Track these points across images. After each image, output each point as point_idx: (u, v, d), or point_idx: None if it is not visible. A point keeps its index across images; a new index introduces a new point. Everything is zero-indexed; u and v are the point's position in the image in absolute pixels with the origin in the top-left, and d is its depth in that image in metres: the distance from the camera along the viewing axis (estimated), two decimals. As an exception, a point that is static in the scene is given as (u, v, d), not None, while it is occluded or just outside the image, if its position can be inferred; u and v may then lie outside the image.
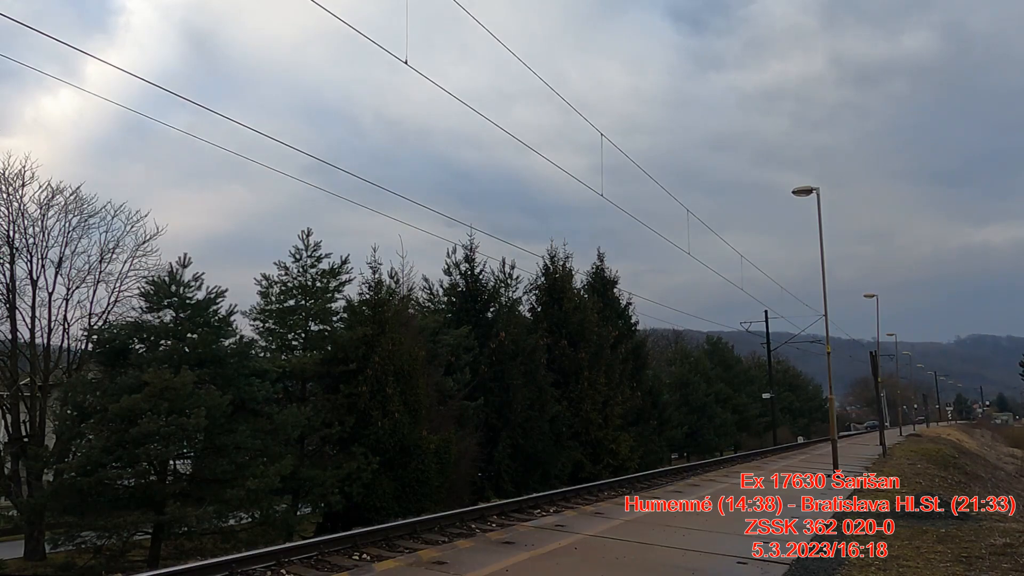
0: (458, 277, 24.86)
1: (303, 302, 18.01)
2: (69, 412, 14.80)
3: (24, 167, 18.76)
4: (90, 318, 19.38)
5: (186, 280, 15.51)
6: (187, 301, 15.47)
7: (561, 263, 27.98)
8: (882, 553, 10.14)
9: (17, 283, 18.41)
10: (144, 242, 20.09)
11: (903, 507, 14.63)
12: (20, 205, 18.65)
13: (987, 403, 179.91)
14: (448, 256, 24.92)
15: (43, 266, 18.95)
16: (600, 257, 31.79)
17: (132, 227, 20.08)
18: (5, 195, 18.51)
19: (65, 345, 19.35)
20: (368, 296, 19.27)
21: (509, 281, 25.78)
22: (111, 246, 19.87)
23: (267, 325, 17.91)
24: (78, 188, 19.59)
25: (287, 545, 10.49)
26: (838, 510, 14.94)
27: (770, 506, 15.63)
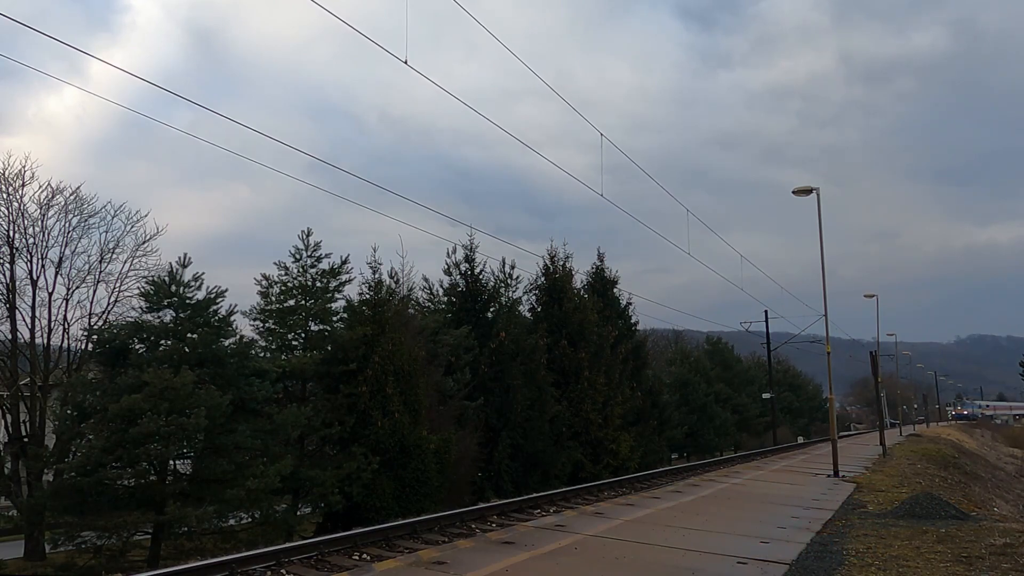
0: (458, 277, 24.87)
1: (303, 302, 18.01)
2: (69, 412, 14.81)
3: (24, 167, 18.81)
4: (90, 318, 19.42)
5: (186, 280, 15.53)
6: (187, 301, 15.48)
7: (561, 263, 28.03)
8: (882, 553, 10.15)
9: (17, 283, 18.44)
10: (144, 242, 20.15)
11: (903, 507, 14.63)
12: (20, 205, 18.69)
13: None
14: (448, 256, 24.96)
15: (43, 266, 18.98)
16: (600, 257, 31.83)
17: (132, 227, 20.15)
18: (5, 195, 18.55)
19: (65, 345, 19.38)
20: (368, 296, 19.28)
21: (509, 281, 25.81)
22: (111, 246, 19.92)
23: (267, 325, 17.92)
24: (78, 188, 19.64)
25: (287, 545, 10.47)
26: (838, 510, 14.95)
27: (769, 506, 15.64)
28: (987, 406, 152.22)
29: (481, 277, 24.86)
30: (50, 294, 19.01)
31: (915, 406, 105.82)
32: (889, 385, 64.09)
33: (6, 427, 18.16)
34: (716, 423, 45.65)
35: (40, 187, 19.00)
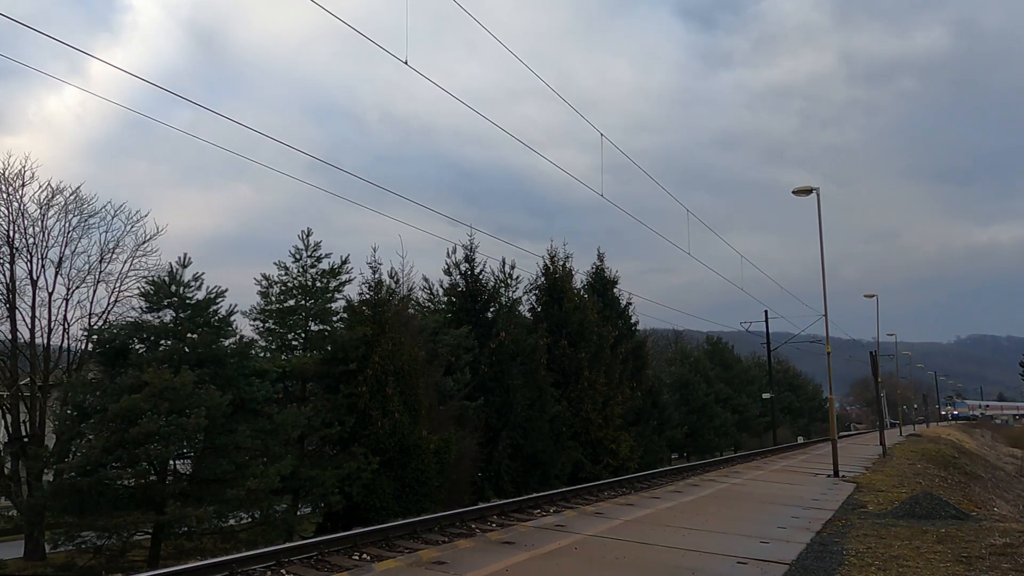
0: (458, 277, 24.86)
1: (303, 302, 18.02)
2: (69, 412, 14.81)
3: (24, 167, 18.79)
4: (90, 318, 19.40)
5: (186, 280, 15.53)
6: (187, 301, 15.48)
7: (561, 263, 28.02)
8: (882, 553, 10.15)
9: (17, 283, 18.42)
10: (144, 242, 20.12)
11: (903, 507, 14.63)
12: (20, 205, 18.67)
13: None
14: (448, 256, 24.94)
15: (43, 266, 18.96)
16: (600, 257, 31.82)
17: (132, 227, 20.11)
18: (5, 195, 18.54)
19: (65, 345, 19.36)
20: (368, 296, 19.28)
21: (509, 281, 25.78)
22: (111, 246, 19.90)
23: (267, 325, 17.92)
24: (78, 188, 19.62)
25: (287, 545, 10.47)
26: (838, 510, 14.95)
27: (769, 506, 15.64)
28: (986, 406, 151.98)
29: (481, 277, 24.86)
30: (50, 294, 19.01)
31: (915, 406, 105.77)
32: (889, 385, 64.11)
33: (6, 427, 18.16)
34: (716, 423, 45.61)
35: (40, 187, 19.00)
